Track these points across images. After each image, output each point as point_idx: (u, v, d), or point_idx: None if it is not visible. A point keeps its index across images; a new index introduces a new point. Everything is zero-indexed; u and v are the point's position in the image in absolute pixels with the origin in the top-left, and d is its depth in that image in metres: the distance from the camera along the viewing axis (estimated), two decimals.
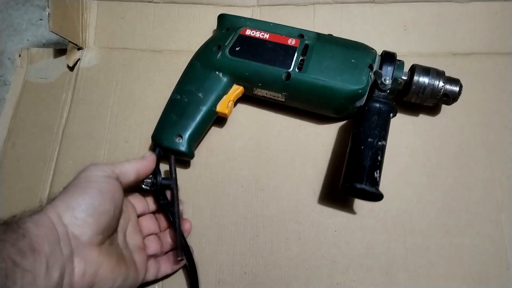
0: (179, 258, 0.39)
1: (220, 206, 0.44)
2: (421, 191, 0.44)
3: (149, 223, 0.40)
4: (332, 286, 0.41)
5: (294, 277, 0.41)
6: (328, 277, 0.41)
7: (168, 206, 0.40)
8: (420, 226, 0.42)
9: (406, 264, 0.41)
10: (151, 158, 0.38)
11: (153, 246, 0.39)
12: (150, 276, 0.38)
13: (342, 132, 0.46)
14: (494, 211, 0.42)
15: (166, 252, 0.41)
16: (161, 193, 0.40)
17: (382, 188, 0.40)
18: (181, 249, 0.38)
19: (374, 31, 0.51)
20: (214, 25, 0.49)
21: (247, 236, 0.43)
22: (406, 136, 0.46)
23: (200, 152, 0.47)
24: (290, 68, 0.42)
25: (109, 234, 0.33)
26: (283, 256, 0.42)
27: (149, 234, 0.40)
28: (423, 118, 0.47)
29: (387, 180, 0.43)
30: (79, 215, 0.30)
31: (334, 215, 0.43)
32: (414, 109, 0.46)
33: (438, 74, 0.42)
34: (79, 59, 0.53)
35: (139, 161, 0.37)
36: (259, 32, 0.44)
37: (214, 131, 0.47)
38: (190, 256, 0.40)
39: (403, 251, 0.41)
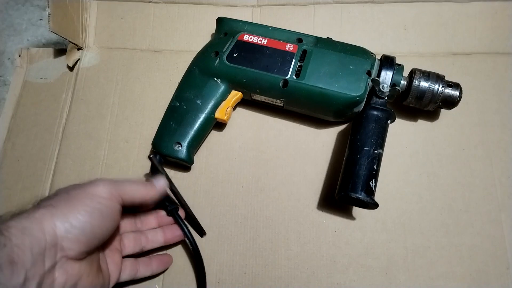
0: (204, 235, 0.42)
1: (220, 206, 0.44)
2: (421, 191, 0.44)
3: (125, 223, 0.39)
4: (332, 286, 0.41)
5: (294, 277, 0.41)
6: (328, 277, 0.41)
7: (176, 210, 0.41)
8: (420, 226, 0.42)
9: (406, 264, 0.41)
10: (161, 189, 0.37)
11: (130, 245, 0.38)
12: (125, 276, 0.37)
13: (342, 134, 0.46)
14: (494, 211, 0.42)
15: (148, 252, 0.40)
16: (165, 198, 0.40)
17: (382, 188, 0.40)
18: (197, 231, 0.42)
19: (374, 31, 0.51)
20: (214, 25, 0.49)
21: (247, 236, 0.43)
22: (406, 136, 0.46)
23: (200, 152, 0.47)
24: (287, 75, 0.42)
25: (94, 250, 0.33)
26: (283, 256, 0.42)
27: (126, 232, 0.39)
28: (423, 118, 0.47)
29: (387, 180, 0.43)
30: (74, 232, 0.29)
31: (334, 215, 0.43)
32: (414, 110, 0.46)
33: (438, 78, 0.42)
34: (79, 59, 0.53)
35: (148, 190, 0.36)
36: (257, 38, 0.44)
37: (213, 131, 0.47)
38: (199, 253, 0.40)
39: (403, 251, 0.41)
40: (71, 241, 0.29)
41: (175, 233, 0.41)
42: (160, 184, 0.37)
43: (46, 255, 0.28)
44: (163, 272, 0.41)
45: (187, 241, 0.40)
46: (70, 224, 0.29)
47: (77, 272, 0.30)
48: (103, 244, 0.35)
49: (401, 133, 0.46)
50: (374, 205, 0.38)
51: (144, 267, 0.39)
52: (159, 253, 0.41)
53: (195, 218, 0.42)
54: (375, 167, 0.38)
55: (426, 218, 0.43)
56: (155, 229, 0.41)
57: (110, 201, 0.32)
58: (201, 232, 0.42)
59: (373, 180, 0.38)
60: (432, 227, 0.42)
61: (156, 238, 0.40)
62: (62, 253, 0.29)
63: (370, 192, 0.37)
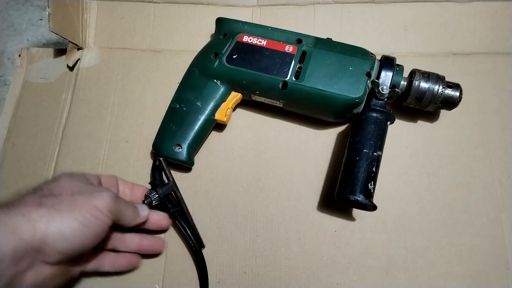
0: (202, 248, 0.42)
1: (220, 207, 0.44)
2: (421, 191, 0.44)
3: None
4: (332, 286, 0.41)
5: (294, 277, 0.41)
6: (328, 277, 0.41)
7: (178, 213, 0.41)
8: (420, 226, 0.42)
9: (406, 264, 0.41)
10: (142, 219, 0.38)
11: (110, 242, 0.38)
12: (88, 269, 0.37)
13: (342, 135, 0.46)
14: (494, 211, 0.42)
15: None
16: (168, 201, 0.41)
17: (382, 188, 0.40)
18: (197, 243, 0.40)
19: (374, 31, 0.51)
20: (214, 25, 0.49)
21: (247, 236, 0.43)
22: (406, 136, 0.46)
23: (200, 152, 0.47)
24: (287, 77, 0.42)
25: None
26: (283, 256, 0.42)
27: None
28: (423, 118, 0.47)
29: (387, 180, 0.43)
30: (63, 243, 0.29)
31: (334, 215, 0.43)
32: (414, 111, 0.46)
33: (438, 79, 0.42)
34: (79, 59, 0.53)
35: (134, 216, 0.37)
36: (256, 39, 0.44)
37: (213, 132, 0.47)
38: (201, 254, 0.41)
39: (403, 251, 0.41)
40: (56, 250, 0.29)
41: (152, 245, 0.40)
42: (143, 214, 0.38)
43: (26, 257, 0.27)
44: (128, 272, 0.41)
45: (191, 243, 0.40)
46: (63, 236, 0.29)
47: (49, 275, 0.30)
48: None
49: (401, 133, 0.46)
50: (372, 208, 0.38)
51: (109, 264, 0.38)
52: (128, 253, 0.40)
53: (196, 230, 0.42)
54: (374, 169, 0.38)
55: (426, 218, 0.43)
56: (134, 233, 0.40)
57: (108, 218, 0.32)
58: (200, 245, 0.42)
59: (372, 182, 0.38)
60: (432, 227, 0.42)
61: (131, 243, 0.39)
62: (42, 258, 0.29)
63: (369, 195, 0.37)
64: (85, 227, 0.30)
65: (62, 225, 0.29)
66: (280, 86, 0.42)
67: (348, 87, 0.41)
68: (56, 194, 0.31)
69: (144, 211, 0.38)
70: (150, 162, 0.46)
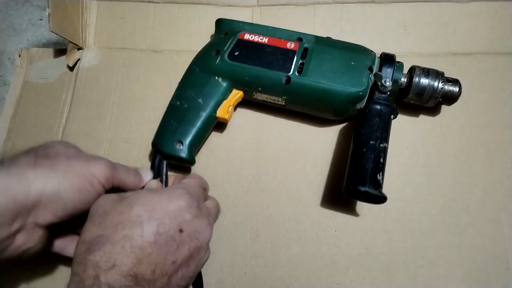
0: None
1: (220, 206, 0.44)
2: (421, 191, 0.44)
3: None
4: (332, 286, 0.41)
5: (294, 277, 0.41)
6: (328, 277, 0.41)
7: None
8: (420, 226, 0.42)
9: (406, 264, 0.41)
10: (145, 184, 0.37)
11: None
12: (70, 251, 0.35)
13: (342, 134, 0.46)
14: (494, 211, 0.42)
15: None
16: None
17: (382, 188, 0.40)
18: None
19: (374, 31, 0.51)
20: (214, 25, 0.49)
21: (247, 236, 0.43)
22: (406, 136, 0.46)
23: (200, 152, 0.47)
24: (290, 72, 0.42)
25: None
26: (283, 256, 0.42)
27: None
28: (423, 117, 0.47)
29: (387, 180, 0.43)
30: (57, 205, 0.29)
31: (334, 215, 0.43)
32: (414, 109, 0.46)
33: (438, 74, 0.42)
34: (79, 59, 0.53)
35: (136, 182, 0.36)
36: (257, 36, 0.44)
37: (214, 131, 0.47)
38: None
39: (403, 251, 0.41)
40: (49, 211, 0.28)
41: None
42: (147, 179, 0.37)
43: (18, 218, 0.27)
44: None
45: None
46: (58, 196, 0.28)
47: (37, 239, 0.29)
48: None
49: (401, 133, 0.46)
50: (382, 198, 0.37)
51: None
52: None
53: None
54: (381, 160, 0.38)
55: (426, 218, 0.43)
56: None
57: (102, 186, 0.31)
58: None
59: (380, 173, 0.37)
60: (432, 227, 0.42)
61: None
62: (33, 219, 0.28)
63: (378, 185, 0.37)
64: (80, 192, 0.30)
65: (59, 185, 0.28)
66: (284, 81, 0.42)
67: (351, 81, 0.41)
68: (51, 156, 0.30)
69: (147, 176, 0.37)
70: (150, 162, 0.46)
